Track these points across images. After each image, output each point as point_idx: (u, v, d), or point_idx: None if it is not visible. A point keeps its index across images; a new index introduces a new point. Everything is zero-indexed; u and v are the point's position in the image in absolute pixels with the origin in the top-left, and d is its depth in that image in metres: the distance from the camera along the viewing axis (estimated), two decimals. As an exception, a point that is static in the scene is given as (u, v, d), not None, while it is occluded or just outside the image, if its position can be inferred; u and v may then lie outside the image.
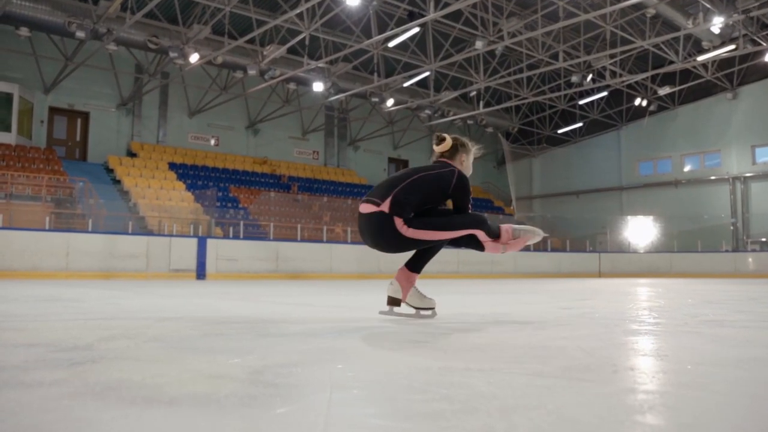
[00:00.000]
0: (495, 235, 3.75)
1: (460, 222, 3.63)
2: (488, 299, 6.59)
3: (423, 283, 4.46)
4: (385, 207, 3.49)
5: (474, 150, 3.88)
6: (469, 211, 3.70)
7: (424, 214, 3.59)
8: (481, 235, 3.69)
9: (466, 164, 3.80)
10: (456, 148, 3.78)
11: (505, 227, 3.77)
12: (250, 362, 1.94)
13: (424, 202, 3.58)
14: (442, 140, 3.78)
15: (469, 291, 8.87)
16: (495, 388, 1.54)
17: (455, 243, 3.74)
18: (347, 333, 2.89)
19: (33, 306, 4.71)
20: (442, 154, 3.79)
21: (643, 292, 8.64)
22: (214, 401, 1.38)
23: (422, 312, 3.77)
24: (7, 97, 21.78)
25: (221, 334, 2.79)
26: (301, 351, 2.23)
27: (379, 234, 3.54)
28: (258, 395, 1.44)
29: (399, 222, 3.48)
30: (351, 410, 1.35)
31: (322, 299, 6.39)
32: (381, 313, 3.90)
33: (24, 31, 19.76)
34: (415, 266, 3.78)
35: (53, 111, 23.53)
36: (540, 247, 25.81)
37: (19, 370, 1.76)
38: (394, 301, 3.77)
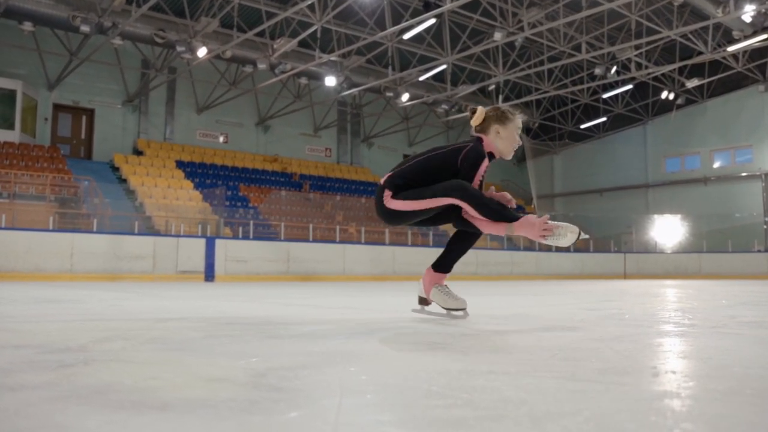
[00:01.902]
0: (499, 216, 3.39)
1: (440, 189, 3.42)
2: (510, 301, 6.48)
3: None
4: (384, 179, 3.61)
5: (515, 119, 3.63)
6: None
7: (413, 187, 3.53)
8: (465, 206, 3.38)
9: (503, 135, 3.60)
10: (488, 120, 3.64)
11: (535, 219, 3.41)
12: (253, 365, 1.85)
13: (431, 179, 3.50)
14: (473, 112, 3.68)
15: (489, 292, 8.75)
16: (523, 393, 1.43)
17: (448, 219, 3.61)
18: (360, 335, 2.80)
19: (30, 307, 4.65)
20: (475, 129, 3.70)
21: (673, 293, 8.48)
22: (211, 406, 1.28)
23: (453, 312, 3.75)
24: (11, 94, 21.93)
25: (225, 335, 2.70)
26: (310, 353, 2.13)
27: (376, 204, 3.63)
28: (259, 400, 1.35)
29: (387, 194, 3.56)
30: (363, 417, 1.25)
31: (335, 301, 6.30)
32: (413, 310, 3.99)
33: (27, 26, 19.86)
34: (439, 266, 3.79)
35: (57, 108, 23.67)
36: (562, 247, 25.62)
37: (2, 373, 1.68)
38: (423, 301, 3.92)
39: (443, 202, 3.43)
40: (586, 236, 3.43)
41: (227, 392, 1.44)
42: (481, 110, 3.66)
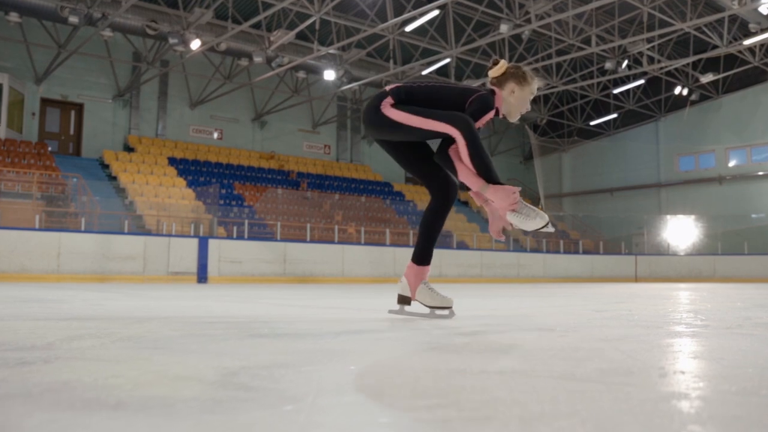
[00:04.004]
0: (484, 171, 3.34)
1: (446, 115, 3.37)
2: (513, 302, 6.41)
3: (442, 287, 4.31)
4: (389, 87, 3.52)
5: (532, 83, 3.59)
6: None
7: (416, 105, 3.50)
8: (461, 143, 3.31)
9: (516, 95, 3.57)
10: (507, 76, 3.59)
11: (513, 189, 3.35)
12: (226, 363, 1.77)
13: (434, 107, 3.46)
14: (495, 63, 3.65)
15: (493, 294, 8.69)
16: (516, 393, 1.36)
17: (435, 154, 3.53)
18: (349, 334, 2.73)
19: (8, 306, 4.59)
20: (492, 81, 3.64)
21: (686, 295, 8.41)
22: (170, 405, 1.21)
23: (437, 311, 3.61)
24: (-3, 88, 21.89)
25: (205, 334, 2.63)
26: (291, 351, 2.06)
27: (369, 111, 3.52)
28: (225, 399, 1.28)
29: (388, 101, 3.46)
30: (337, 417, 1.17)
31: (330, 302, 6.24)
32: (390, 312, 3.80)
33: (14, 17, 19.83)
34: (420, 258, 3.64)
35: (45, 102, 23.63)
36: (571, 249, 25.55)
37: (-47, 370, 1.61)
38: (403, 300, 3.68)
39: (441, 128, 3.36)
40: (551, 230, 3.45)
41: (191, 391, 1.37)
42: (503, 63, 3.62)
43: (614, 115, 32.45)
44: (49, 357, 1.87)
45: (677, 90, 28.40)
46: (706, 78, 26.54)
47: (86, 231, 15.85)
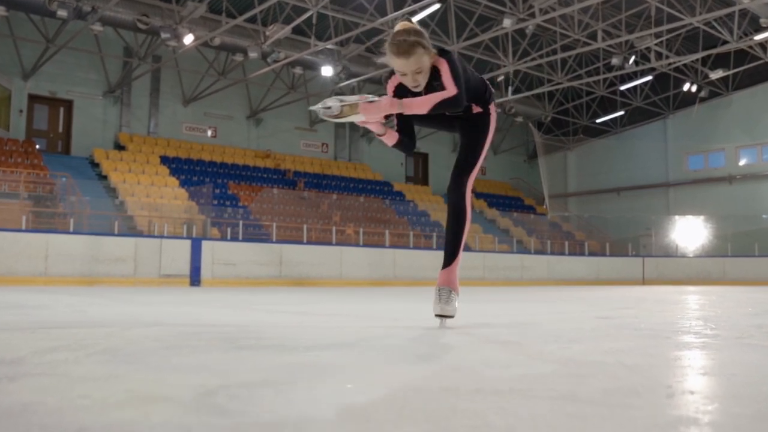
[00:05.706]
0: None
1: None
2: (515, 308, 6.36)
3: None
4: None
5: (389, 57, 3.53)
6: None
7: None
8: None
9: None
10: None
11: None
12: (205, 380, 1.71)
13: None
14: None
15: (495, 299, 8.64)
16: (510, 417, 1.30)
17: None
18: (341, 345, 2.67)
19: (-14, 313, 4.54)
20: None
21: (695, 300, 8.36)
22: (134, 434, 1.15)
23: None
24: (-17, 84, 21.85)
25: (188, 346, 2.57)
26: (276, 366, 2.00)
27: None
28: (195, 426, 1.21)
29: None
30: (316, 447, 1.12)
31: (326, 307, 6.19)
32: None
33: (0, 11, 19.75)
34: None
35: (33, 99, 23.58)
36: (576, 250, 25.50)
37: None
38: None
39: None
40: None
41: (161, 415, 1.31)
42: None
43: (621, 113, 32.39)
44: (16, 374, 1.81)
45: (686, 87, 28.35)
46: (716, 74, 26.50)
47: (75, 232, 15.80)
